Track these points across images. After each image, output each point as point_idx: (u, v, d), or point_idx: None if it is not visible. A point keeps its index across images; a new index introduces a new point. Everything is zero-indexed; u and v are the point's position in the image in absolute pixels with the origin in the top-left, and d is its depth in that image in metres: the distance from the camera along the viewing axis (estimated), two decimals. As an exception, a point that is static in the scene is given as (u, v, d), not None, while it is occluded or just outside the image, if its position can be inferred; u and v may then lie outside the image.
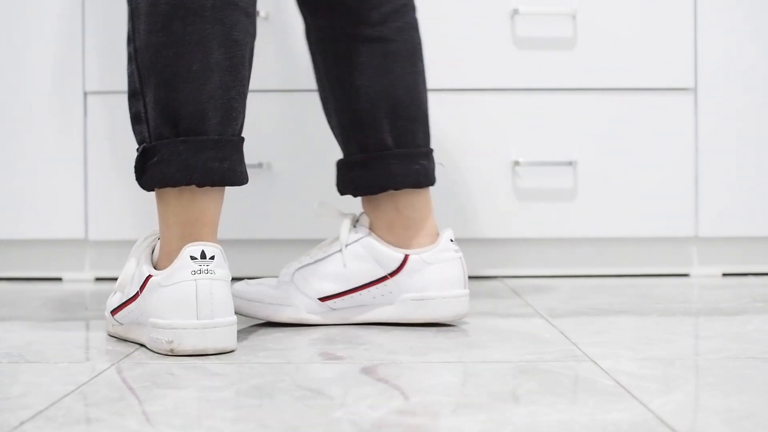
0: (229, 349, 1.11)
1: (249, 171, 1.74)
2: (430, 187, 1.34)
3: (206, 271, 1.09)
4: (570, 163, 1.77)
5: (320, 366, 1.04)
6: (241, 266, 1.77)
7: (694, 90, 1.78)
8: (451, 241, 1.29)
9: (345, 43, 1.31)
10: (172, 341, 1.08)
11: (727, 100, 1.78)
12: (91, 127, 1.76)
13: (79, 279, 1.80)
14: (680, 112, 1.78)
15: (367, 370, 1.02)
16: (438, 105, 1.77)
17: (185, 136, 1.13)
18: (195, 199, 1.13)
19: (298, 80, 1.75)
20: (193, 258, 1.09)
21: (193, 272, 1.08)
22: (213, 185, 1.13)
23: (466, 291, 1.29)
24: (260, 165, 1.75)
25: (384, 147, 1.31)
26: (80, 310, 1.46)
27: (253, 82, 1.72)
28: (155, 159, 1.13)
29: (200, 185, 1.12)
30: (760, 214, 1.79)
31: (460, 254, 1.29)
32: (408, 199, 1.31)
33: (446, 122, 1.78)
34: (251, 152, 1.71)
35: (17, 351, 1.12)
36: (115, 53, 1.74)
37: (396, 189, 1.30)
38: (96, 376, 0.99)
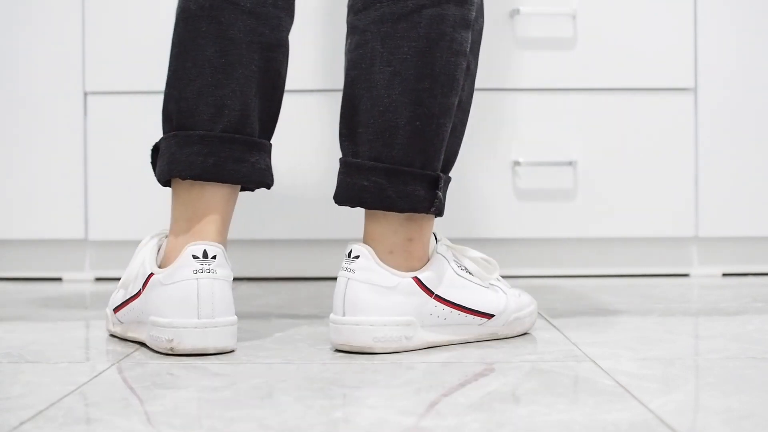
0: (229, 349, 1.11)
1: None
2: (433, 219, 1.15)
3: (208, 271, 1.09)
4: (570, 163, 1.77)
5: (320, 366, 1.04)
6: (242, 266, 1.77)
7: (694, 90, 1.78)
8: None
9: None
10: (172, 340, 1.08)
11: (727, 100, 1.78)
12: (91, 127, 1.76)
13: (79, 279, 1.80)
14: (680, 112, 1.78)
15: (366, 370, 1.02)
16: (438, 105, 1.76)
17: (177, 131, 1.15)
18: (203, 194, 1.14)
19: (299, 80, 1.75)
20: (194, 257, 1.09)
21: (195, 271, 1.08)
22: (193, 179, 1.13)
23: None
24: (260, 165, 1.75)
25: (345, 153, 1.15)
26: (80, 310, 1.46)
27: (253, 82, 1.73)
28: (159, 154, 1.18)
29: (183, 178, 1.13)
30: (760, 214, 1.79)
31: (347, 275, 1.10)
32: (368, 220, 1.14)
33: (446, 122, 1.77)
34: (251, 152, 1.72)
35: (17, 351, 1.12)
36: (115, 53, 1.74)
37: (339, 204, 1.14)
38: (96, 376, 0.99)
